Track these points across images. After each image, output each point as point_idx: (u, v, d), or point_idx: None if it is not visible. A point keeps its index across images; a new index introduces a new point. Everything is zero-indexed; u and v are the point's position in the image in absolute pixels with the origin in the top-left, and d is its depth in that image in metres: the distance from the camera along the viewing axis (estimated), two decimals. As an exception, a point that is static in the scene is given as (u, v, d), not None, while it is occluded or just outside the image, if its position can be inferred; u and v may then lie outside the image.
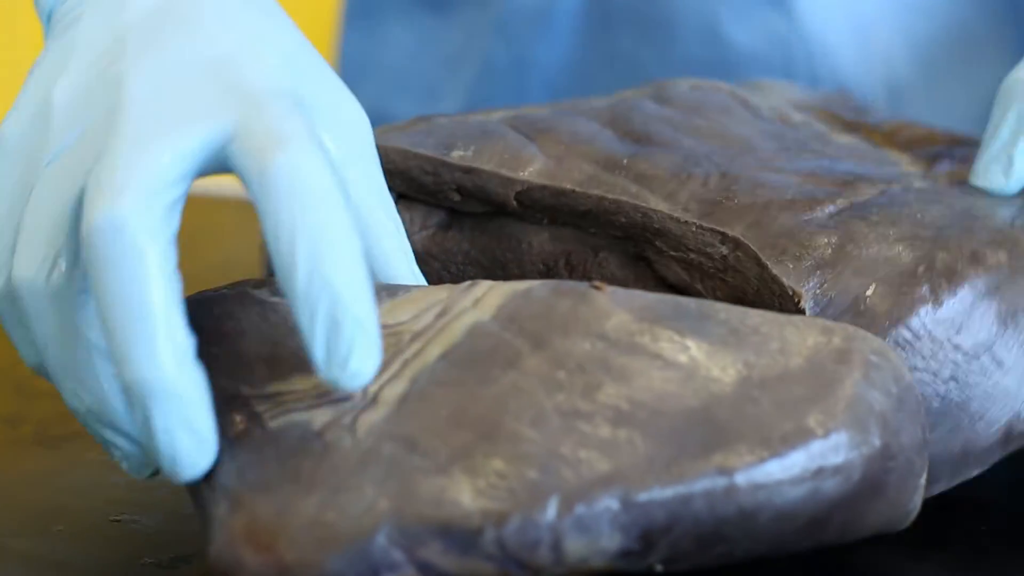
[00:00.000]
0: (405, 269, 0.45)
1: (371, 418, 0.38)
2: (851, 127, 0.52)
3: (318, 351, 0.37)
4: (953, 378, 0.42)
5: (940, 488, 0.43)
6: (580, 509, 0.37)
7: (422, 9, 0.84)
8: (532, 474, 0.37)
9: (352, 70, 0.88)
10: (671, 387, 0.39)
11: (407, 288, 0.43)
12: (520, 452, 0.37)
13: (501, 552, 0.36)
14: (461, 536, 0.36)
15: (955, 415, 0.42)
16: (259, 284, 0.44)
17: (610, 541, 0.37)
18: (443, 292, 0.42)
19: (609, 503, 0.37)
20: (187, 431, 0.38)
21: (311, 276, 0.37)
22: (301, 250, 0.37)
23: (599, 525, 0.37)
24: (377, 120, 0.83)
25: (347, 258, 0.38)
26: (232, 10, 0.44)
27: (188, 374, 0.38)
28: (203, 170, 0.40)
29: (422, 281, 0.45)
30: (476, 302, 0.41)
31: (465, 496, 0.37)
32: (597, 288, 0.41)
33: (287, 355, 0.40)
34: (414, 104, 0.84)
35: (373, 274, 0.44)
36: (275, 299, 0.42)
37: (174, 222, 0.39)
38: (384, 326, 0.41)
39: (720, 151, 0.48)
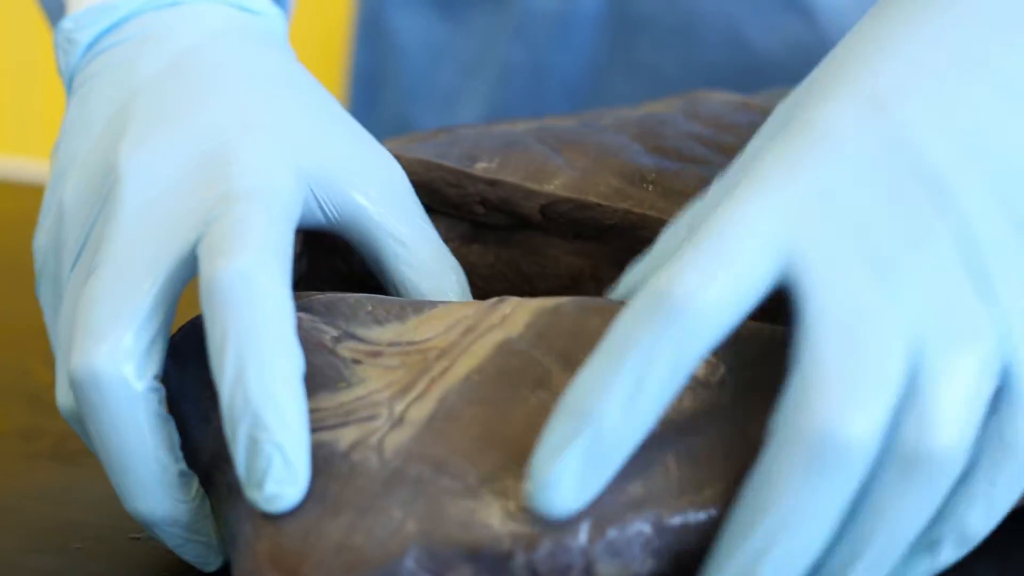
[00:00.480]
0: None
1: (398, 438, 0.38)
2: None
3: (239, 466, 0.37)
4: None
5: None
6: (612, 533, 0.36)
7: (436, 16, 0.83)
8: None
9: (367, 82, 0.88)
10: (703, 407, 0.38)
11: (433, 304, 0.42)
12: None
13: (533, 574, 0.36)
14: (491, 560, 0.36)
15: None
16: None
17: (642, 566, 0.36)
18: (469, 309, 0.41)
19: (641, 527, 0.36)
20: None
21: (233, 392, 0.37)
22: (228, 364, 0.37)
23: (631, 549, 0.36)
24: (397, 129, 0.83)
25: (274, 379, 0.37)
26: (243, 79, 0.44)
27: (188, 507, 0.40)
28: (186, 279, 0.40)
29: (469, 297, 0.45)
30: (504, 319, 0.41)
31: (495, 519, 0.36)
32: None
33: (311, 372, 0.40)
34: (432, 112, 0.84)
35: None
36: (299, 314, 0.41)
37: (157, 355, 0.39)
38: (410, 342, 0.40)
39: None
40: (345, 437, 0.38)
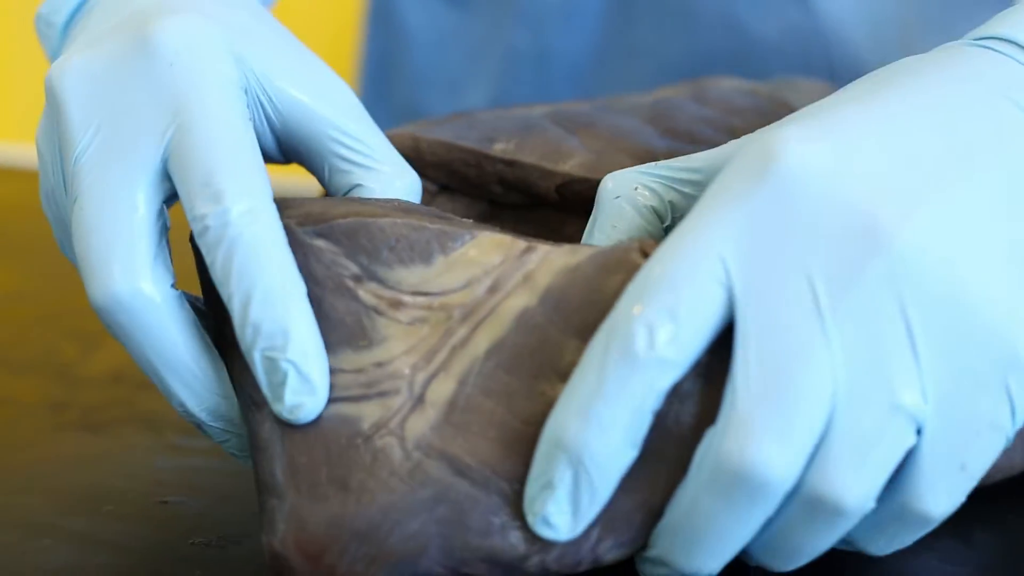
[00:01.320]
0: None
1: (419, 424, 0.39)
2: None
3: (261, 385, 0.39)
4: None
5: None
6: (620, 530, 0.39)
7: (444, 4, 0.84)
8: None
9: (378, 69, 0.89)
10: (693, 417, 0.39)
11: (463, 239, 0.41)
12: None
13: (543, 572, 0.39)
14: (507, 562, 0.38)
15: None
16: (303, 220, 0.42)
17: (645, 549, 0.39)
18: (497, 255, 0.41)
19: (644, 518, 0.39)
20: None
21: (243, 322, 0.39)
22: (235, 298, 0.39)
23: (636, 539, 0.39)
24: (407, 116, 0.84)
25: (278, 305, 0.39)
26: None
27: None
28: (166, 188, 0.41)
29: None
30: (527, 277, 0.40)
31: (513, 529, 0.38)
32: (645, 254, 0.40)
33: (333, 318, 0.41)
34: (440, 97, 0.85)
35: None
36: (319, 242, 0.41)
37: (164, 264, 0.41)
38: (434, 293, 0.41)
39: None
40: (367, 415, 0.39)
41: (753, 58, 0.75)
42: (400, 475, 0.38)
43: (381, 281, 0.41)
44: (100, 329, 0.61)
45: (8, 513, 0.47)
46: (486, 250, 0.41)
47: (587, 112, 0.51)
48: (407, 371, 0.40)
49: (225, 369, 0.42)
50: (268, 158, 0.45)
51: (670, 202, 0.42)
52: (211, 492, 0.48)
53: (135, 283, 0.40)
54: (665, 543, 0.38)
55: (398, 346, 0.40)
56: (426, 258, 0.41)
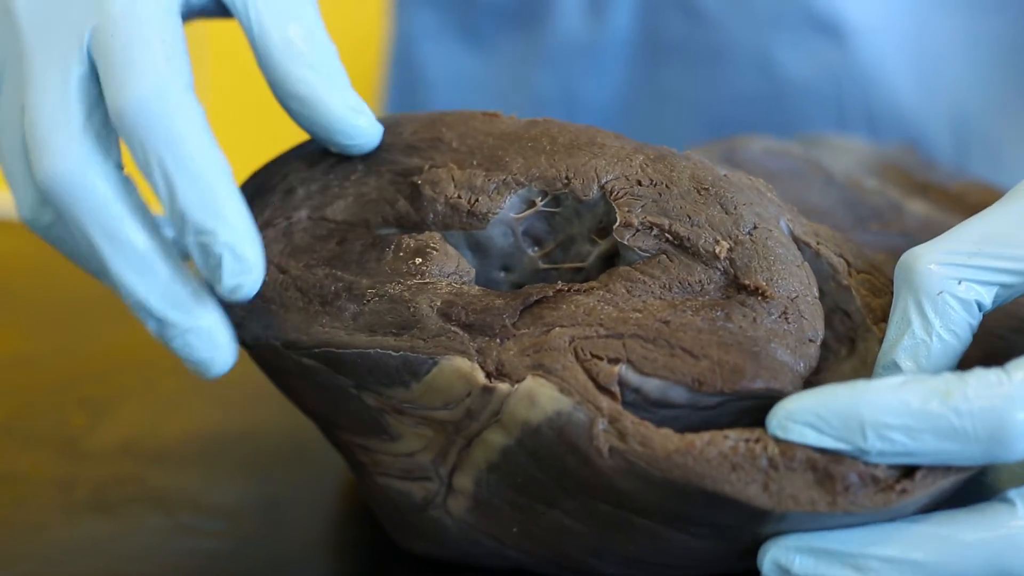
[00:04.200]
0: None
1: (457, 507, 0.42)
2: (922, 188, 0.51)
3: (201, 271, 0.40)
4: None
5: None
6: None
7: (466, 48, 0.83)
8: None
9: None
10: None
11: (427, 366, 0.40)
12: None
13: None
14: None
15: None
16: (287, 345, 0.42)
17: None
18: (462, 388, 0.40)
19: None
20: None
21: (171, 209, 0.39)
22: (158, 184, 0.39)
23: None
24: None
25: (204, 187, 0.39)
26: None
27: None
28: None
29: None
30: (496, 418, 0.40)
31: None
32: (597, 449, 0.39)
33: (355, 417, 0.42)
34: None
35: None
36: (309, 362, 0.42)
37: (112, 144, 0.41)
38: (422, 407, 0.41)
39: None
40: (415, 492, 0.43)
41: (786, 102, 0.73)
42: (459, 537, 0.43)
43: (377, 393, 0.41)
44: (110, 396, 0.59)
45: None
46: (450, 380, 0.40)
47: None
48: (429, 464, 0.42)
49: (177, 255, 0.41)
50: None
51: (995, 296, 0.40)
52: (226, 580, 0.47)
53: (83, 157, 0.41)
54: None
55: (414, 443, 0.42)
56: (403, 383, 0.41)
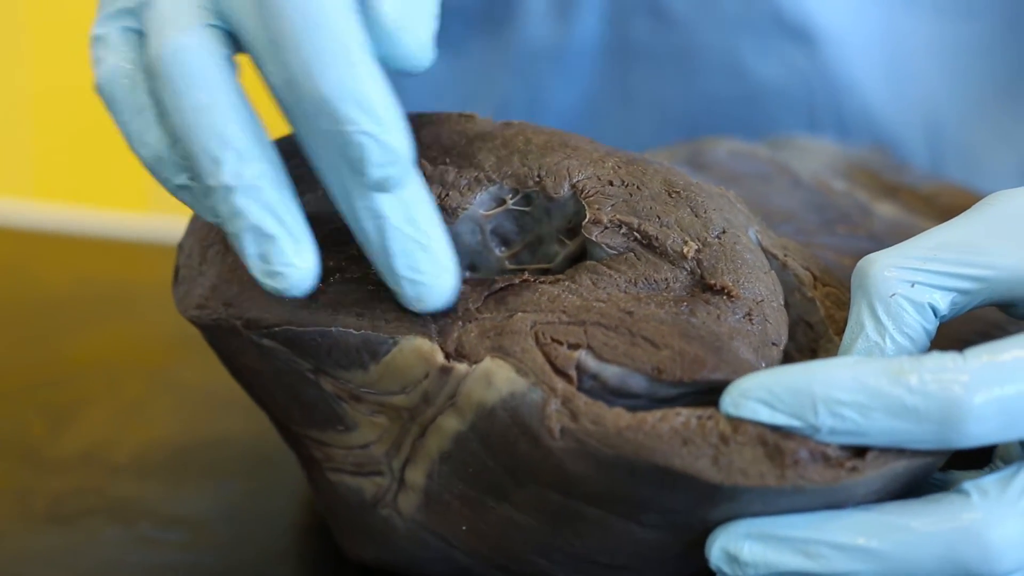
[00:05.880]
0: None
1: (407, 504, 0.42)
2: (891, 190, 0.51)
3: (332, 170, 0.38)
4: None
5: None
6: None
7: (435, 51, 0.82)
8: None
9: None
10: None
11: (387, 345, 0.40)
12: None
13: None
14: None
15: None
16: (247, 325, 0.42)
17: None
18: (420, 369, 0.40)
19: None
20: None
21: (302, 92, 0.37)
22: (291, 63, 0.37)
23: None
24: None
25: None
26: None
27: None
28: None
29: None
30: (451, 401, 0.40)
31: None
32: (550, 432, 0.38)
33: (310, 403, 0.42)
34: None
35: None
36: (268, 343, 0.41)
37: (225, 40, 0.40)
38: (381, 393, 0.41)
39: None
40: (366, 488, 0.42)
41: (756, 106, 0.73)
42: (407, 539, 0.42)
43: (335, 377, 0.41)
44: (71, 401, 0.59)
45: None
46: (409, 361, 0.40)
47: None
48: (383, 457, 0.42)
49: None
50: None
51: (952, 302, 0.39)
52: (185, 593, 0.46)
53: (199, 35, 0.39)
54: None
55: (369, 434, 0.42)
56: (361, 365, 0.40)
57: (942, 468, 0.39)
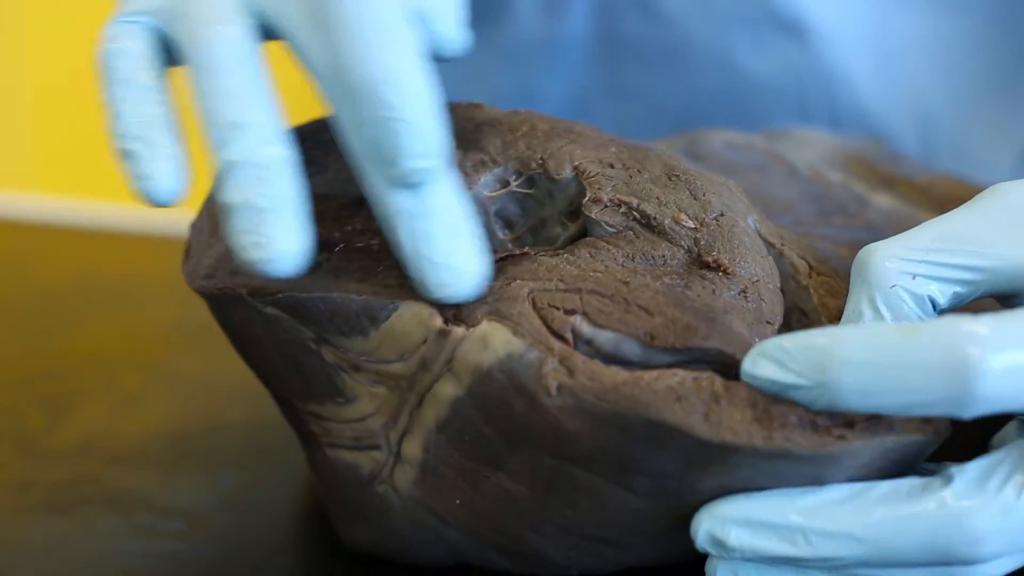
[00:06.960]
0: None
1: (403, 479, 0.42)
2: (887, 181, 0.51)
3: (366, 156, 0.38)
4: None
5: None
6: None
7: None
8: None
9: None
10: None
11: (387, 310, 0.41)
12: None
13: None
14: None
15: None
16: (252, 292, 0.42)
17: None
18: (419, 334, 0.41)
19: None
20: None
21: (337, 76, 0.37)
22: (332, 44, 0.38)
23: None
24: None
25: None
26: None
27: None
28: None
29: None
30: (449, 365, 0.40)
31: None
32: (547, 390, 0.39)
33: (311, 374, 0.42)
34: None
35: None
36: (272, 311, 0.42)
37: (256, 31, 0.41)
38: (381, 362, 0.41)
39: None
40: (363, 464, 0.43)
41: (749, 99, 0.73)
42: (402, 517, 0.43)
43: (336, 346, 0.41)
44: (70, 392, 0.58)
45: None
46: (408, 327, 0.40)
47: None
48: (380, 430, 0.42)
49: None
50: None
51: (953, 294, 0.39)
52: (183, 581, 0.46)
53: (224, 25, 0.40)
54: None
55: (367, 405, 0.42)
56: (362, 331, 0.41)
57: (934, 458, 0.39)
